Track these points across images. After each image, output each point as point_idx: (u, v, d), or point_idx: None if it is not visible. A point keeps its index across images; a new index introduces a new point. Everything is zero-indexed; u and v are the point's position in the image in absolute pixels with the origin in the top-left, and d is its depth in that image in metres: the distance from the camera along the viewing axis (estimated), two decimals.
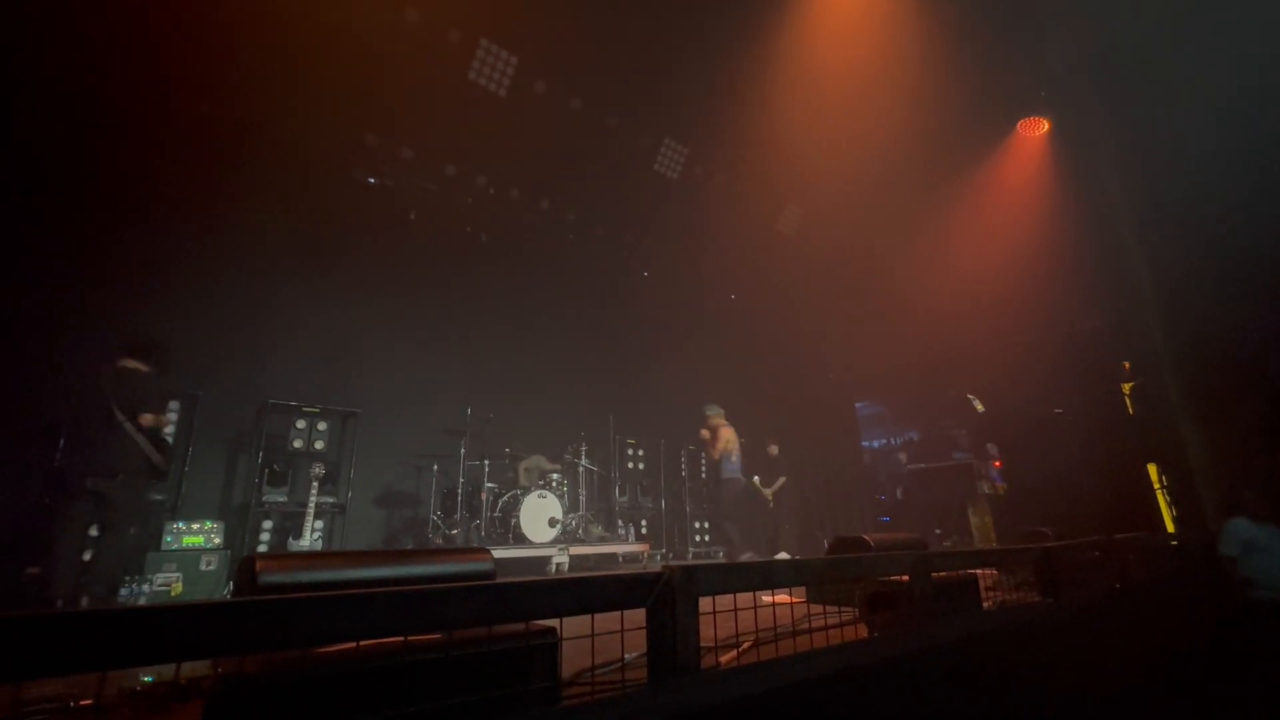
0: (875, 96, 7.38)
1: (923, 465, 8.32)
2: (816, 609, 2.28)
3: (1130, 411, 6.56)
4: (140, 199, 5.85)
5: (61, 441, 4.97)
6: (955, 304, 8.65)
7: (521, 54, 6.80)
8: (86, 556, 4.05)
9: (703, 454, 9.72)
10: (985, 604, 2.50)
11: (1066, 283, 7.66)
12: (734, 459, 7.53)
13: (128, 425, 4.08)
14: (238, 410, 6.24)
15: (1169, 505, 6.00)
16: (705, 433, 7.16)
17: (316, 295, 6.91)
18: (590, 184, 8.45)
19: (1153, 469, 6.21)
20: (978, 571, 2.54)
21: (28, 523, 4.71)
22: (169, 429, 5.32)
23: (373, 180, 7.56)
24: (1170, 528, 5.86)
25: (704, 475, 9.72)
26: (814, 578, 1.83)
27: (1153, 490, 6.14)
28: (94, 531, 4.15)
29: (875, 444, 10.47)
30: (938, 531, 7.68)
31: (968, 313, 8.53)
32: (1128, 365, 6.71)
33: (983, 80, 7.31)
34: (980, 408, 7.69)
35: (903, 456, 8.86)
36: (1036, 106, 7.74)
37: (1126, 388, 6.65)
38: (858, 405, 10.67)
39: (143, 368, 4.40)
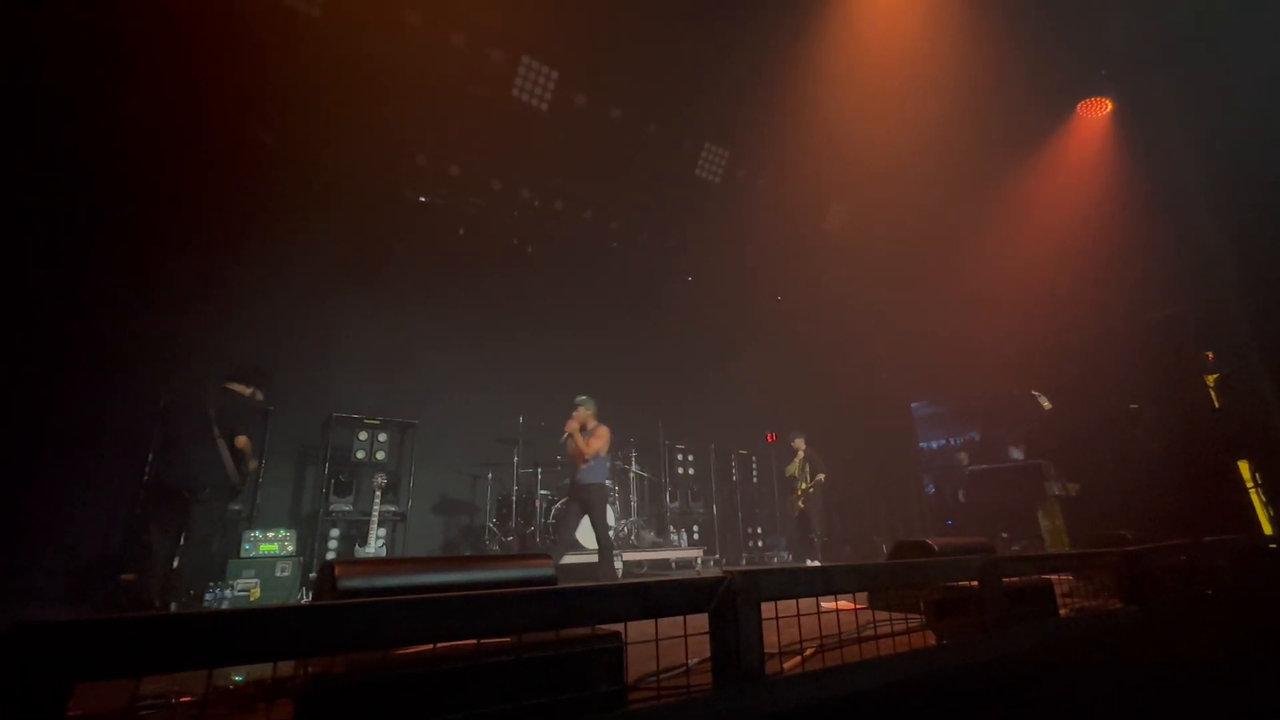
0: (922, 84, 7.13)
1: (985, 466, 7.97)
2: (879, 616, 2.22)
3: (1216, 405, 6.12)
4: (217, 230, 6.25)
5: (150, 456, 5.36)
6: (1016, 296, 8.28)
7: (561, 68, 6.93)
8: (175, 564, 4.34)
9: (752, 458, 9.62)
10: (1061, 611, 2.38)
11: (1137, 270, 7.23)
12: (604, 461, 6.06)
13: (221, 442, 4.37)
14: (305, 424, 6.57)
15: (1264, 505, 5.56)
16: (573, 424, 5.69)
17: (375, 312, 7.21)
18: (632, 192, 8.52)
19: (1244, 466, 5.77)
20: (1052, 577, 2.42)
21: (125, 532, 5.09)
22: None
23: (423, 199, 7.85)
24: (1267, 529, 5.42)
25: (755, 480, 9.61)
26: (877, 583, 1.79)
27: (1245, 489, 5.70)
28: (182, 540, 4.44)
29: (934, 445, 10.11)
30: (1004, 535, 7.34)
31: (1030, 305, 8.14)
32: (1211, 355, 6.27)
33: (1038, 62, 6.98)
34: (1047, 405, 7.31)
35: (963, 457, 8.52)
36: (1098, 86, 7.36)
37: (1210, 380, 6.21)
38: (914, 405, 10.33)
39: (244, 391, 4.73)
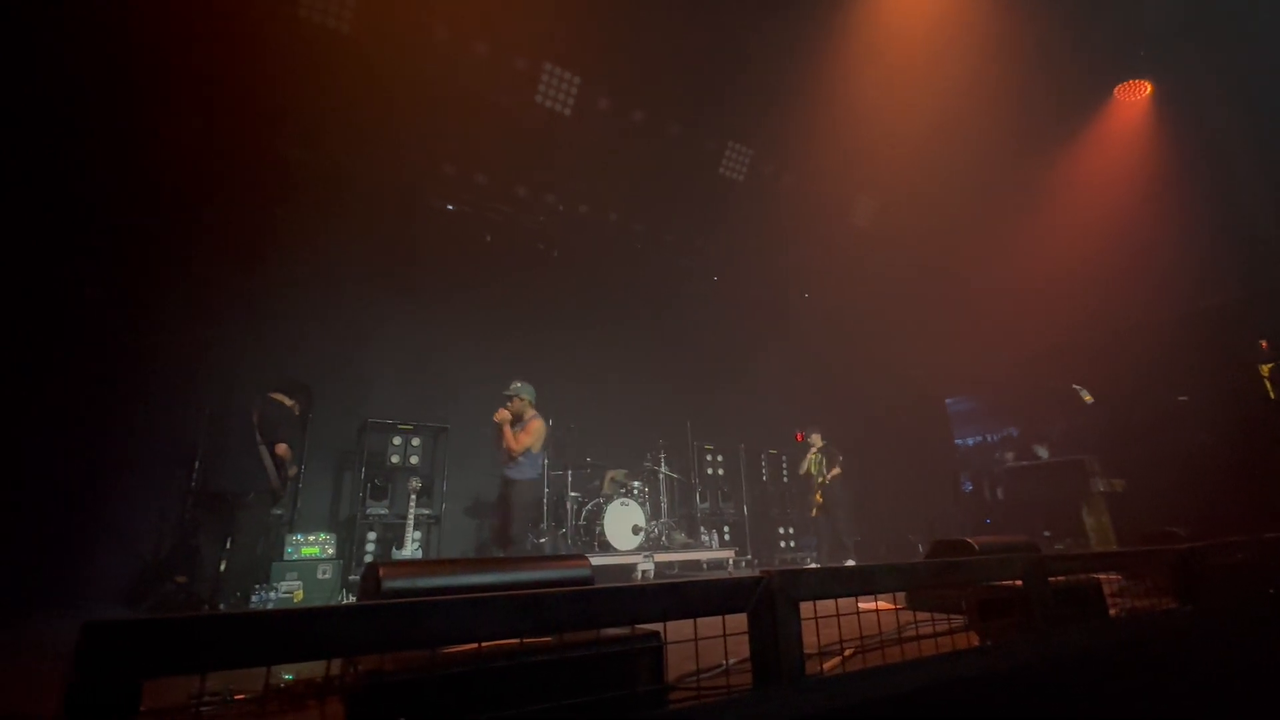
0: (950, 70, 6.95)
1: (1025, 462, 7.75)
2: (920, 616, 2.18)
3: (1271, 395, 5.85)
4: (257, 244, 6.47)
5: (197, 463, 5.56)
6: (1054, 287, 8.04)
7: (584, 73, 6.99)
8: (223, 566, 4.50)
9: (783, 457, 9.52)
10: (1111, 611, 2.30)
11: (1182, 257, 6.96)
12: (537, 457, 5.56)
13: (263, 449, 4.53)
14: (341, 430, 6.73)
15: None
16: (504, 414, 5.21)
17: (406, 320, 7.36)
18: (656, 193, 8.53)
19: None
20: (1101, 576, 2.34)
21: (175, 536, 5.29)
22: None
23: (451, 207, 7.99)
24: None
25: (786, 479, 9.51)
26: (918, 582, 1.76)
27: None
28: (228, 544, 4.59)
29: (970, 441, 9.86)
30: (1047, 534, 7.12)
31: (1069, 296, 7.90)
32: (1265, 344, 5.99)
33: (1071, 45, 6.77)
34: (1089, 399, 7.09)
35: (1009, 456, 8.29)
36: (1136, 68, 7.10)
37: (1265, 369, 5.94)
38: (948, 401, 10.10)
39: (287, 402, 4.90)
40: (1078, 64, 6.98)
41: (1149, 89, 7.20)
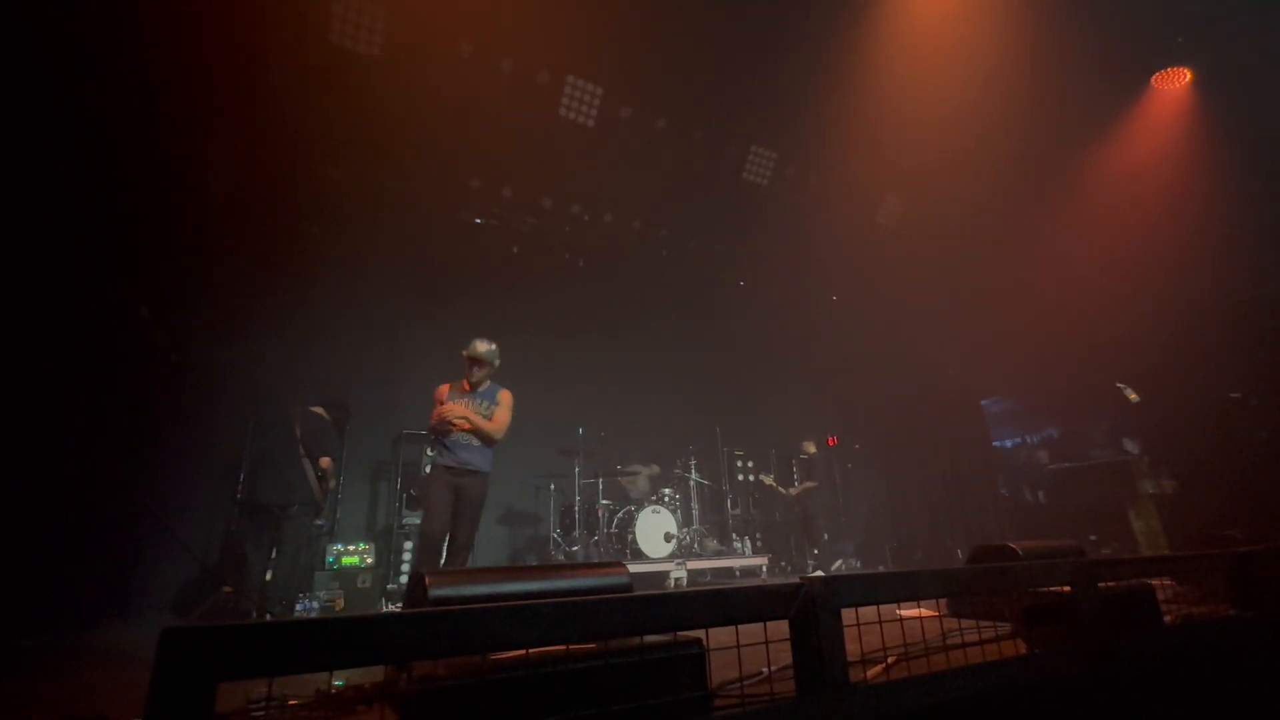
0: (978, 65, 6.78)
1: (1068, 464, 7.52)
2: (965, 624, 2.14)
3: None
4: (294, 262, 6.69)
5: (242, 475, 5.75)
6: (1093, 282, 7.80)
7: (606, 84, 7.07)
8: (268, 576, 4.64)
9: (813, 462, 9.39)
10: (1166, 618, 2.22)
11: (1230, 246, 6.69)
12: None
13: (306, 461, 4.67)
14: (377, 441, 6.89)
15: None
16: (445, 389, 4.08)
17: (438, 332, 7.50)
18: (680, 200, 8.55)
19: None
20: (1153, 581, 2.27)
21: (222, 546, 5.47)
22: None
23: (479, 220, 8.14)
24: None
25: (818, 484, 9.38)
26: (961, 588, 1.73)
27: None
28: (273, 554, 4.74)
29: (1008, 444, 9.60)
30: (1093, 538, 6.89)
31: (1109, 291, 7.65)
32: None
33: (1104, 35, 6.59)
34: (1134, 397, 6.85)
35: (1043, 455, 8.06)
36: (1174, 55, 6.87)
37: None
38: (984, 402, 9.86)
39: (326, 416, 5.04)
40: (1112, 54, 6.78)
41: (1188, 76, 6.96)
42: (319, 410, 5.01)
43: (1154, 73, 7.05)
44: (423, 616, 0.94)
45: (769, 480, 8.21)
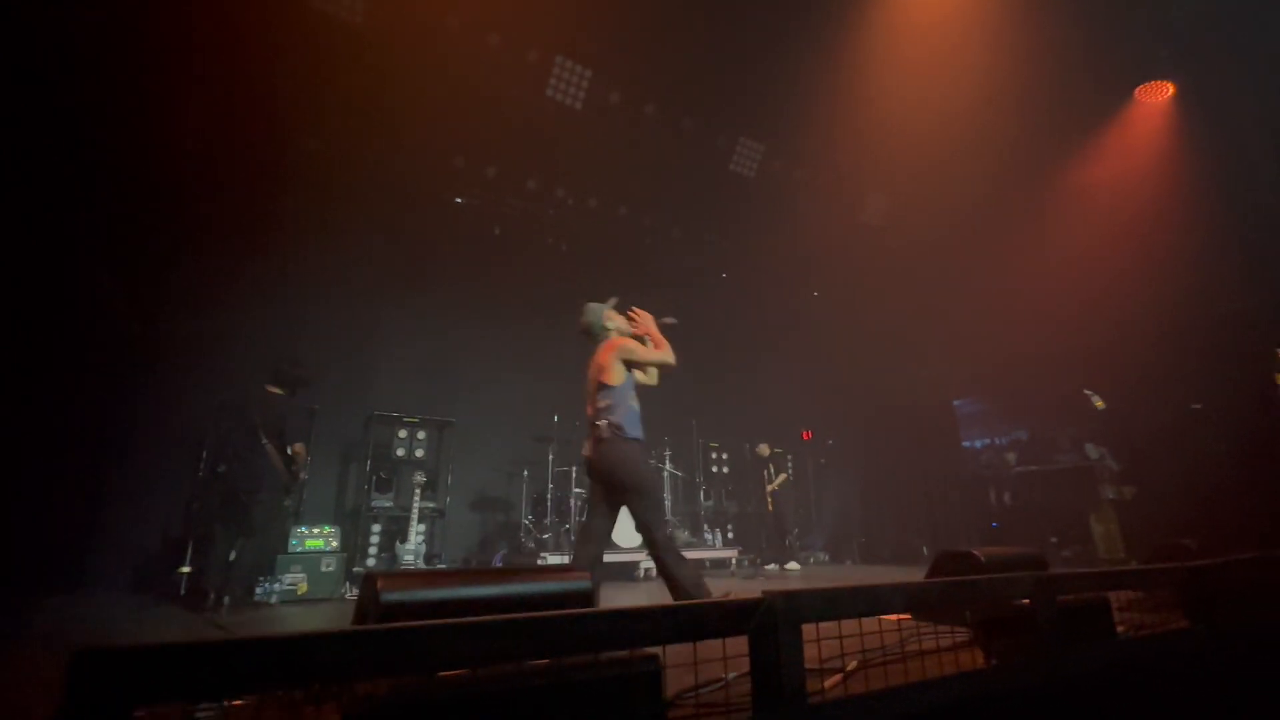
0: (967, 69, 6.80)
1: (1035, 467, 7.68)
2: (924, 629, 2.15)
3: None
4: (266, 234, 6.48)
5: (204, 454, 5.59)
6: (1068, 290, 7.92)
7: (595, 66, 6.92)
8: (233, 557, 4.53)
9: (788, 456, 9.46)
10: (1119, 628, 2.26)
11: (1199, 262, 6.84)
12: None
13: (269, 446, 4.53)
14: (347, 422, 6.75)
15: None
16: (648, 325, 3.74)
17: (413, 313, 7.37)
18: (666, 188, 8.47)
19: None
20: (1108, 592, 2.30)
21: (184, 526, 5.33)
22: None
23: (460, 200, 7.97)
24: None
25: (791, 477, 9.47)
26: (924, 602, 1.73)
27: None
28: (238, 538, 4.62)
29: (978, 444, 9.78)
30: (1054, 540, 7.07)
31: (1083, 299, 7.79)
32: None
33: (1091, 45, 6.63)
34: (1100, 404, 7.00)
35: (1011, 457, 8.22)
36: (1158, 69, 6.95)
37: None
38: (956, 403, 10.02)
39: (279, 392, 4.88)
40: (1097, 64, 6.83)
41: (1171, 90, 7.05)
42: (273, 389, 4.82)
43: (1138, 85, 7.12)
44: (359, 635, 0.89)
45: (766, 452, 8.30)
